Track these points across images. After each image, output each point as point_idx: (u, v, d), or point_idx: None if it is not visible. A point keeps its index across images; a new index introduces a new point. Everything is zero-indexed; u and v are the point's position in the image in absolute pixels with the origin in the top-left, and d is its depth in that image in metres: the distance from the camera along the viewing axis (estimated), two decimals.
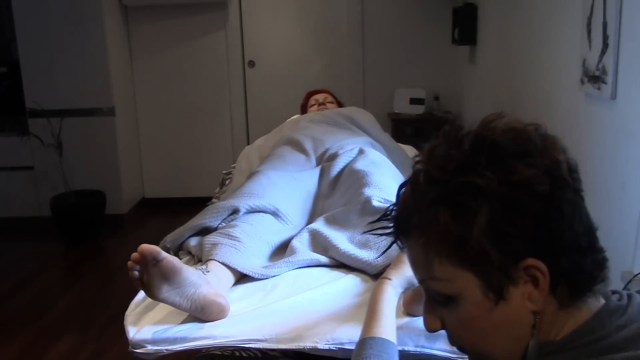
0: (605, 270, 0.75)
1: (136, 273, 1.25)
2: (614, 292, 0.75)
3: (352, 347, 1.23)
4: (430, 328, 0.78)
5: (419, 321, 1.28)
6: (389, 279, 1.11)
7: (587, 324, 0.72)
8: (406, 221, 0.75)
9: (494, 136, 0.72)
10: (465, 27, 3.84)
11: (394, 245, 1.13)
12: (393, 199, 1.81)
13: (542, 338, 0.73)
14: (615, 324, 0.70)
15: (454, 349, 1.23)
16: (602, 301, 0.74)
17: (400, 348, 1.23)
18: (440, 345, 1.23)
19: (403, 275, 1.12)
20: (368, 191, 1.77)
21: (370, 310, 1.07)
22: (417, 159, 0.77)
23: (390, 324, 1.05)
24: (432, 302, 0.77)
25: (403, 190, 0.78)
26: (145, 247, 1.23)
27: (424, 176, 0.74)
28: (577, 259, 0.71)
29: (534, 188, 0.69)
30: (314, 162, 2.16)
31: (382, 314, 1.05)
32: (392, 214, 0.79)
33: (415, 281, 1.12)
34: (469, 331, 0.76)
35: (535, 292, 0.72)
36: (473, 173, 0.70)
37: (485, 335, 0.75)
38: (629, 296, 0.74)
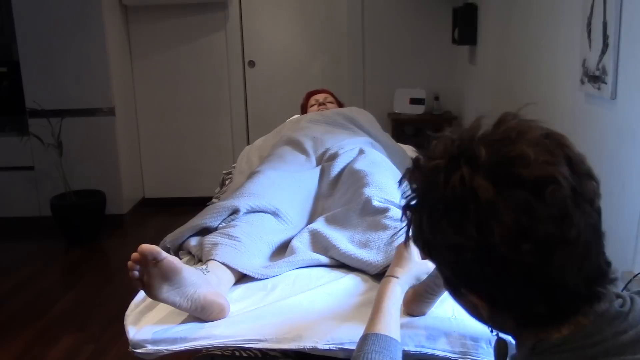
0: (610, 277, 0.74)
1: (136, 273, 1.25)
2: (617, 296, 0.75)
3: (352, 347, 1.23)
4: None
5: (419, 321, 1.28)
6: (396, 277, 1.11)
7: (585, 329, 0.72)
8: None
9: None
10: (465, 27, 3.84)
11: (393, 245, 1.14)
12: (393, 199, 1.82)
13: (537, 337, 0.74)
14: (613, 330, 0.70)
15: (454, 348, 1.24)
16: (606, 305, 0.73)
17: None
18: (441, 345, 1.23)
19: (409, 272, 1.12)
20: (368, 191, 1.77)
21: (375, 307, 1.07)
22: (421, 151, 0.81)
23: (395, 322, 1.05)
24: None
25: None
26: (145, 247, 1.23)
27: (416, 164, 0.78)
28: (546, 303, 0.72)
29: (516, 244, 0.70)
30: (314, 162, 2.16)
31: (387, 312, 1.05)
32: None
33: (421, 276, 1.12)
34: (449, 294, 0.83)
35: (480, 309, 0.76)
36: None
37: (458, 303, 0.83)
38: (632, 301, 0.74)
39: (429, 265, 1.14)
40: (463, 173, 0.71)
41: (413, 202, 0.79)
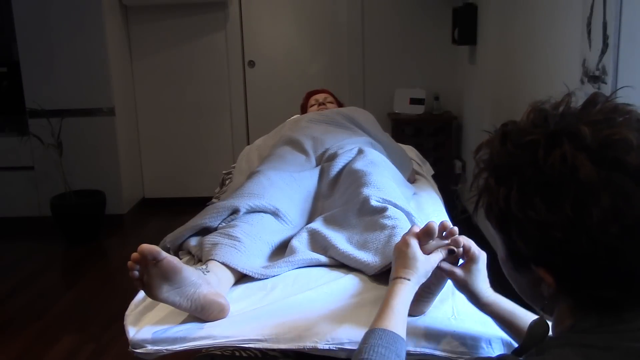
0: None
1: (136, 273, 1.25)
2: None
3: (353, 347, 1.23)
4: None
5: (419, 321, 1.28)
6: (408, 280, 1.08)
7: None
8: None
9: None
10: (465, 27, 3.84)
11: (391, 244, 1.12)
12: (391, 199, 1.82)
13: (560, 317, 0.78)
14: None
15: (454, 348, 1.24)
16: None
17: None
18: (441, 345, 1.23)
19: (418, 272, 1.10)
20: (366, 191, 1.77)
21: (385, 305, 1.06)
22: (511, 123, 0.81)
23: (403, 322, 1.04)
24: None
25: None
26: (145, 247, 1.23)
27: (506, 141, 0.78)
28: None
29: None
30: (313, 162, 2.16)
31: (396, 311, 1.04)
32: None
33: (429, 273, 1.12)
34: (502, 266, 0.85)
35: (545, 286, 0.77)
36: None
37: (510, 279, 0.85)
38: None
39: (433, 261, 1.13)
40: (565, 151, 0.71)
41: (498, 173, 0.77)
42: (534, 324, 0.94)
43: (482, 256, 1.16)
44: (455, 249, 1.15)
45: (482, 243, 1.22)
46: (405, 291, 1.07)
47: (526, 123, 0.78)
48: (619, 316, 0.73)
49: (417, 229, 1.16)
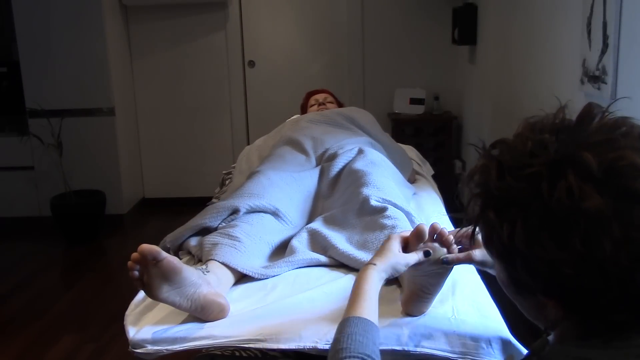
0: None
1: (136, 273, 1.25)
2: None
3: None
4: None
5: (419, 321, 1.28)
6: (374, 264, 1.10)
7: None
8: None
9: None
10: (465, 27, 3.84)
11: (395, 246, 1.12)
12: (391, 199, 1.82)
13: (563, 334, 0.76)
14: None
15: (454, 348, 1.24)
16: None
17: (400, 348, 1.24)
18: (440, 345, 1.23)
19: (388, 261, 1.11)
20: (366, 191, 1.77)
21: (354, 293, 1.06)
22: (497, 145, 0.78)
23: (374, 307, 1.04)
24: None
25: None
26: (145, 247, 1.23)
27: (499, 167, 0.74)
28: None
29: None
30: (313, 162, 2.16)
31: (367, 297, 1.05)
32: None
33: (398, 268, 1.12)
34: (504, 288, 0.83)
35: (550, 310, 0.74)
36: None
37: (512, 298, 0.83)
38: None
39: (408, 259, 1.14)
40: (570, 183, 0.67)
41: (498, 206, 0.74)
42: (538, 344, 0.92)
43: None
44: (431, 251, 1.16)
45: None
46: (372, 276, 1.08)
47: (522, 151, 0.73)
48: (628, 336, 0.70)
49: (407, 234, 1.19)
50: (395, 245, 1.15)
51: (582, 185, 0.67)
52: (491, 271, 1.20)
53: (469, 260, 1.19)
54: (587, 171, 0.67)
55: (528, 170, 0.71)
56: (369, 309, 1.03)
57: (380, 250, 1.15)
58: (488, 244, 0.77)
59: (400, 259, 1.13)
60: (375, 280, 1.08)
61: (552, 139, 0.72)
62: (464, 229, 1.21)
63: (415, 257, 1.15)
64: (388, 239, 1.17)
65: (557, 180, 0.68)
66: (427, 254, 1.16)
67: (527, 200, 0.70)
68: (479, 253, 1.18)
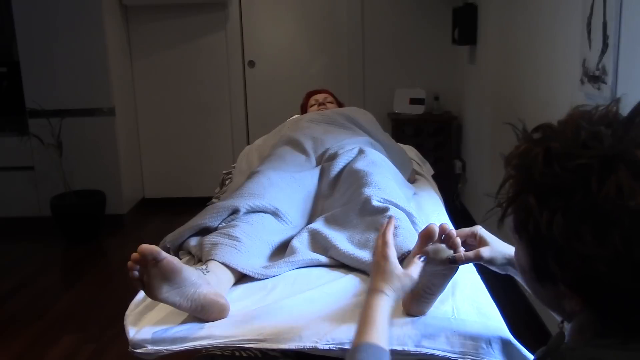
0: None
1: (136, 273, 1.25)
2: None
3: None
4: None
5: (419, 321, 1.28)
6: (385, 294, 1.06)
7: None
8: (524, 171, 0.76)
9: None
10: (465, 27, 3.84)
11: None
12: (392, 199, 1.82)
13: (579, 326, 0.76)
14: None
15: (454, 348, 1.24)
16: None
17: (400, 348, 1.23)
18: (440, 345, 1.23)
19: (396, 287, 1.07)
20: (367, 191, 1.77)
21: (364, 319, 1.03)
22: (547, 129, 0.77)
23: (386, 333, 1.01)
24: None
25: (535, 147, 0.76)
26: (145, 247, 1.23)
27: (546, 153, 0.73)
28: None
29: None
30: (314, 162, 2.16)
31: (379, 324, 1.01)
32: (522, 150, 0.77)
33: (407, 287, 1.10)
34: (519, 273, 0.83)
35: (569, 302, 0.74)
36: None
37: (528, 287, 0.82)
38: None
39: (412, 274, 1.11)
40: (621, 180, 0.66)
41: (540, 193, 0.72)
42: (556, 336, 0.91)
43: (485, 233, 1.19)
44: (430, 254, 1.15)
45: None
46: (385, 306, 1.04)
47: (574, 140, 0.72)
48: None
49: (391, 245, 1.14)
50: (395, 265, 1.10)
51: (632, 183, 0.66)
52: (497, 269, 1.19)
53: (477, 259, 1.17)
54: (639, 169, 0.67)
55: (578, 161, 0.69)
56: (380, 336, 1.00)
57: (382, 274, 1.09)
58: (520, 229, 0.76)
59: (405, 280, 1.09)
60: (386, 308, 1.05)
61: (607, 133, 0.71)
62: (468, 229, 1.21)
63: (417, 269, 1.13)
64: (384, 257, 1.11)
65: (608, 176, 0.67)
66: (423, 258, 1.14)
67: (572, 191, 0.69)
68: (487, 251, 1.16)
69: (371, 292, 1.08)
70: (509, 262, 1.16)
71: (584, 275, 0.70)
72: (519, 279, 1.14)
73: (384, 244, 1.13)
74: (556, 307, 0.79)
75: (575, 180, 0.69)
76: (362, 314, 1.05)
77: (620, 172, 0.67)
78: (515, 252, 0.84)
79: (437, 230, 1.16)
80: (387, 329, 1.02)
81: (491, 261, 1.17)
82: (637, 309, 0.69)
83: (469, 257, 1.16)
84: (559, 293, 0.75)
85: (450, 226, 1.18)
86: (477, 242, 1.19)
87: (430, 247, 1.16)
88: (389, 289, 1.07)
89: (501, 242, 1.18)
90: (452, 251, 1.17)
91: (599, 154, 0.69)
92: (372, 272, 1.13)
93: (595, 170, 0.68)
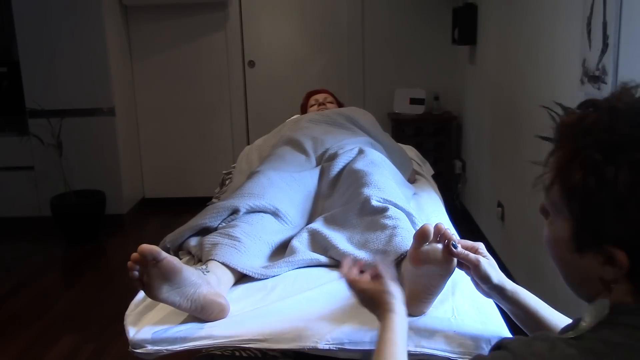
0: None
1: (136, 273, 1.25)
2: None
3: (352, 347, 1.24)
4: (540, 211, 0.87)
5: (419, 321, 1.28)
6: (396, 313, 1.06)
7: None
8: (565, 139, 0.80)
9: None
10: (465, 27, 3.84)
11: (392, 244, 1.08)
12: (392, 199, 1.81)
13: (616, 299, 0.77)
14: None
15: (454, 348, 1.24)
16: None
17: None
18: (440, 345, 1.23)
19: (401, 302, 1.08)
20: (367, 191, 1.77)
21: (382, 342, 1.01)
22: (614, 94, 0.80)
23: (405, 351, 1.00)
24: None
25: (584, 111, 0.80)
26: (145, 247, 1.23)
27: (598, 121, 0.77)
28: None
29: None
30: (314, 162, 2.16)
31: (397, 343, 1.00)
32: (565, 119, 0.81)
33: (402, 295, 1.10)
34: (551, 249, 0.85)
35: (609, 269, 0.76)
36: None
37: (560, 263, 0.84)
38: None
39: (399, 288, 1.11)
40: None
41: (607, 149, 0.75)
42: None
43: (486, 252, 1.18)
44: (426, 255, 1.15)
45: (479, 238, 1.22)
46: (400, 324, 1.04)
47: (637, 101, 0.77)
48: None
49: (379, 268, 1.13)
50: (392, 287, 1.10)
51: None
52: (483, 289, 1.16)
53: (475, 263, 1.15)
54: None
55: None
56: (400, 355, 0.99)
57: (385, 300, 1.09)
58: (572, 192, 0.78)
59: (398, 291, 1.10)
60: (403, 326, 1.04)
61: None
62: (471, 242, 1.19)
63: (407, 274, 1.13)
64: (382, 287, 1.10)
65: None
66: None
67: (638, 147, 0.73)
68: (487, 264, 1.15)
69: (386, 314, 1.06)
70: (500, 288, 1.14)
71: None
72: (502, 305, 1.16)
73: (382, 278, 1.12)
74: (589, 282, 0.80)
75: None
76: (380, 336, 1.03)
77: None
78: (549, 229, 0.85)
79: (432, 230, 1.16)
80: (405, 345, 1.01)
81: (485, 276, 1.14)
82: None
83: (468, 256, 1.15)
84: (599, 261, 0.77)
85: (444, 226, 1.17)
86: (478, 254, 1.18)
87: (426, 247, 1.16)
88: (399, 307, 1.06)
89: (499, 271, 1.17)
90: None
91: None
92: (372, 307, 1.12)
93: None
